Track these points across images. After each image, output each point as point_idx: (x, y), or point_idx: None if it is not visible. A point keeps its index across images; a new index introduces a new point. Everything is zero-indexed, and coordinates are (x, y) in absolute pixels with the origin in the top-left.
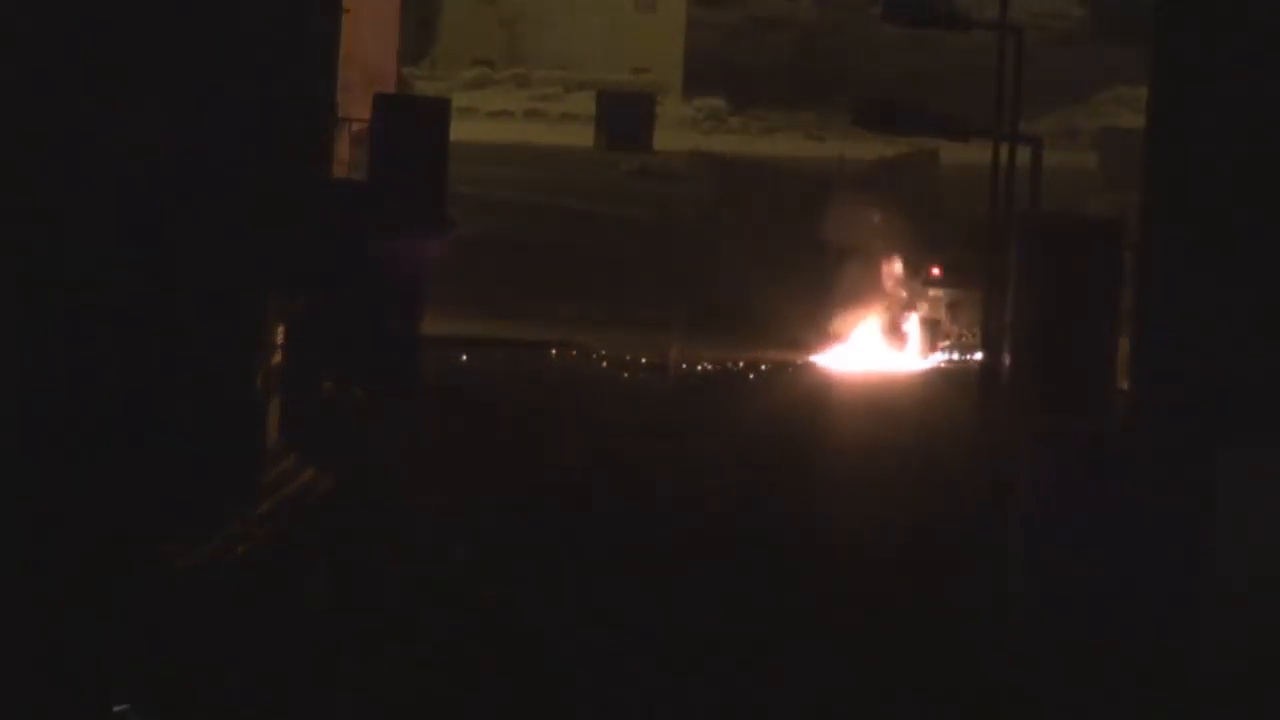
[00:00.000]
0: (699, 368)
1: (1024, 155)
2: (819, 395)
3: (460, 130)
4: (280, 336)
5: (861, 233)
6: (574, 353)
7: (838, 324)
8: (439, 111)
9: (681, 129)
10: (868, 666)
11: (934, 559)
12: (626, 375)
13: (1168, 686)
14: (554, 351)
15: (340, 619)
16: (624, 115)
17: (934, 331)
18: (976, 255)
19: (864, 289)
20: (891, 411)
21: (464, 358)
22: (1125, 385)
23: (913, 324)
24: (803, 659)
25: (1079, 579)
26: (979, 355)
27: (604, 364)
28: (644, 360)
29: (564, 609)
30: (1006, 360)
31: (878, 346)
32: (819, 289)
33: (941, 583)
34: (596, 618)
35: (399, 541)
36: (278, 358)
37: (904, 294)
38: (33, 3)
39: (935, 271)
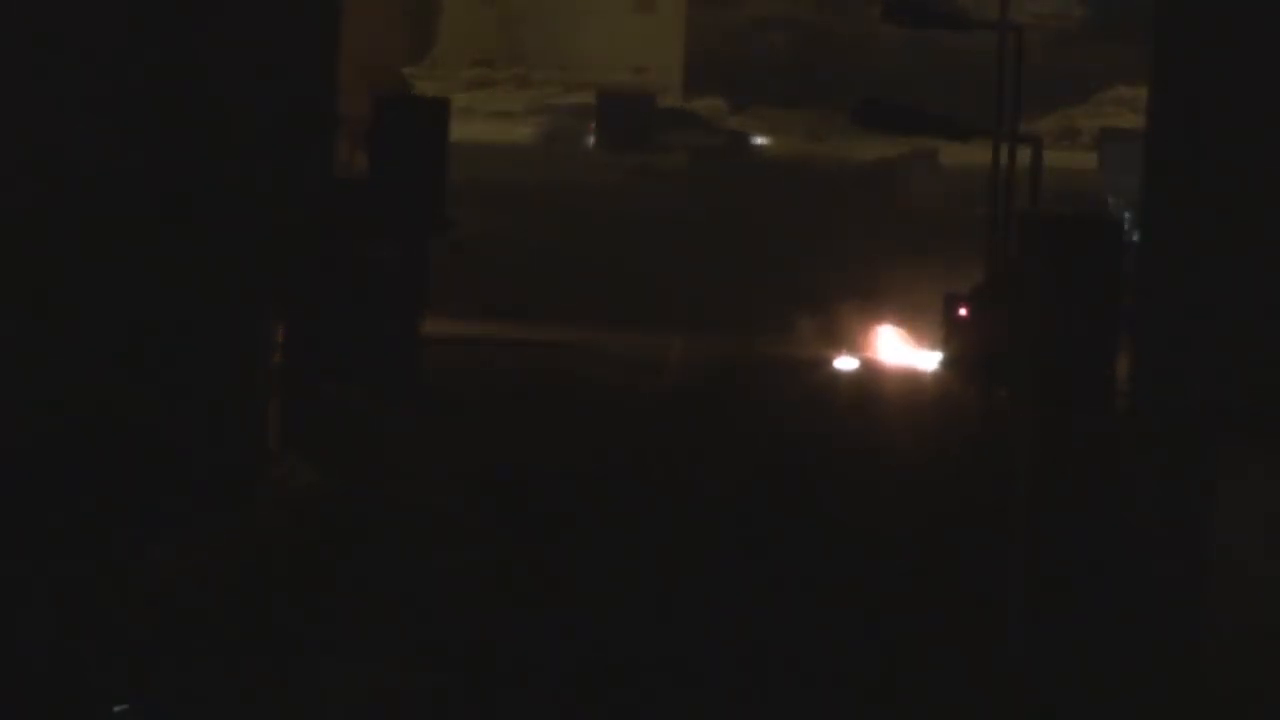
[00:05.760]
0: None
1: (1024, 155)
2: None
3: (460, 130)
4: (280, 336)
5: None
6: (573, 352)
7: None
8: (439, 111)
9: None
10: (869, 666)
11: (935, 556)
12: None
13: (1168, 682)
14: (553, 351)
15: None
16: (624, 115)
17: None
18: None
19: None
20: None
21: (464, 358)
22: (1125, 384)
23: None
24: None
25: (1079, 576)
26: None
27: (602, 363)
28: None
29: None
30: (1007, 360)
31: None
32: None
33: (942, 579)
34: (598, 617)
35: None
36: (278, 358)
37: None
38: (31, 3)
39: (962, 311)
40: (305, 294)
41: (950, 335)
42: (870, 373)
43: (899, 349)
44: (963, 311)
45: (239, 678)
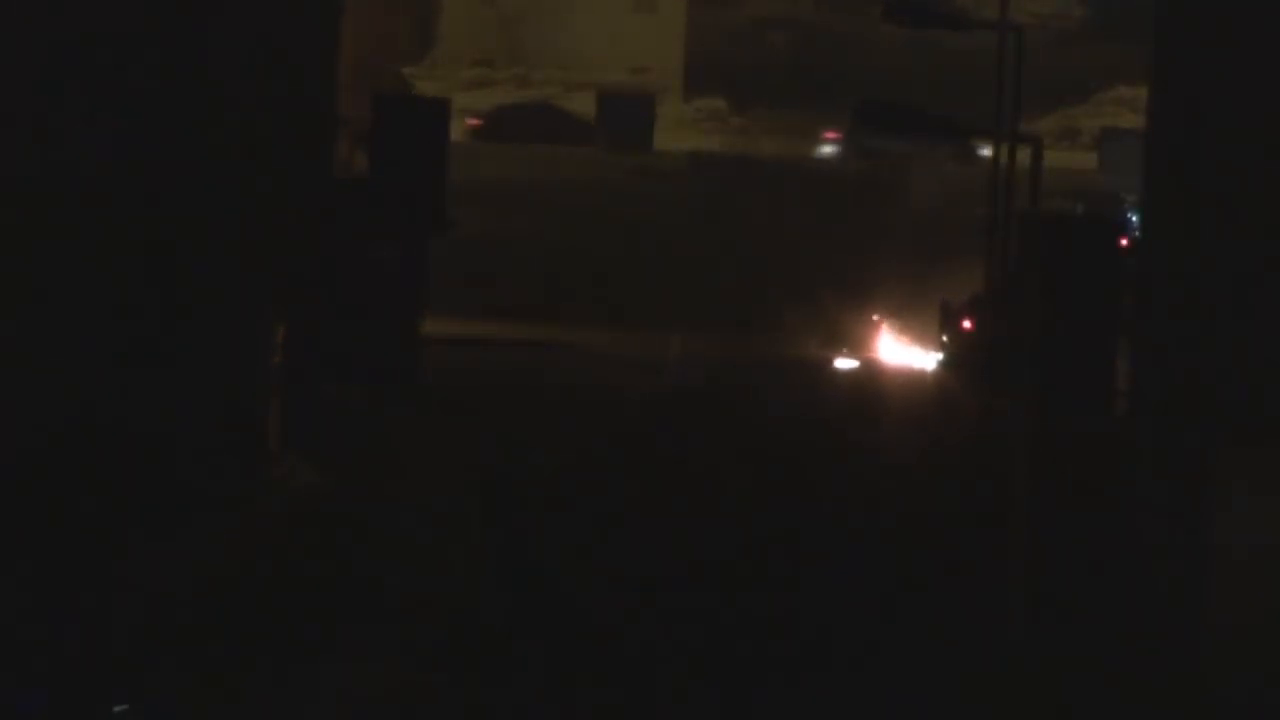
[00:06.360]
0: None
1: (1023, 155)
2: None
3: (460, 130)
4: (280, 336)
5: None
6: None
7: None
8: (439, 111)
9: (681, 129)
10: (868, 662)
11: (935, 554)
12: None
13: (1168, 681)
14: (552, 351)
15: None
16: (624, 115)
17: None
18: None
19: None
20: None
21: (464, 358)
22: (1125, 385)
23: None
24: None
25: (1079, 576)
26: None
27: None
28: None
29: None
30: (1008, 360)
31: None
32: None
33: (941, 578)
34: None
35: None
36: (278, 358)
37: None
38: (35, 4)
39: (966, 325)
40: (305, 294)
41: (951, 342)
42: (870, 372)
43: (898, 349)
44: (967, 324)
45: (239, 678)
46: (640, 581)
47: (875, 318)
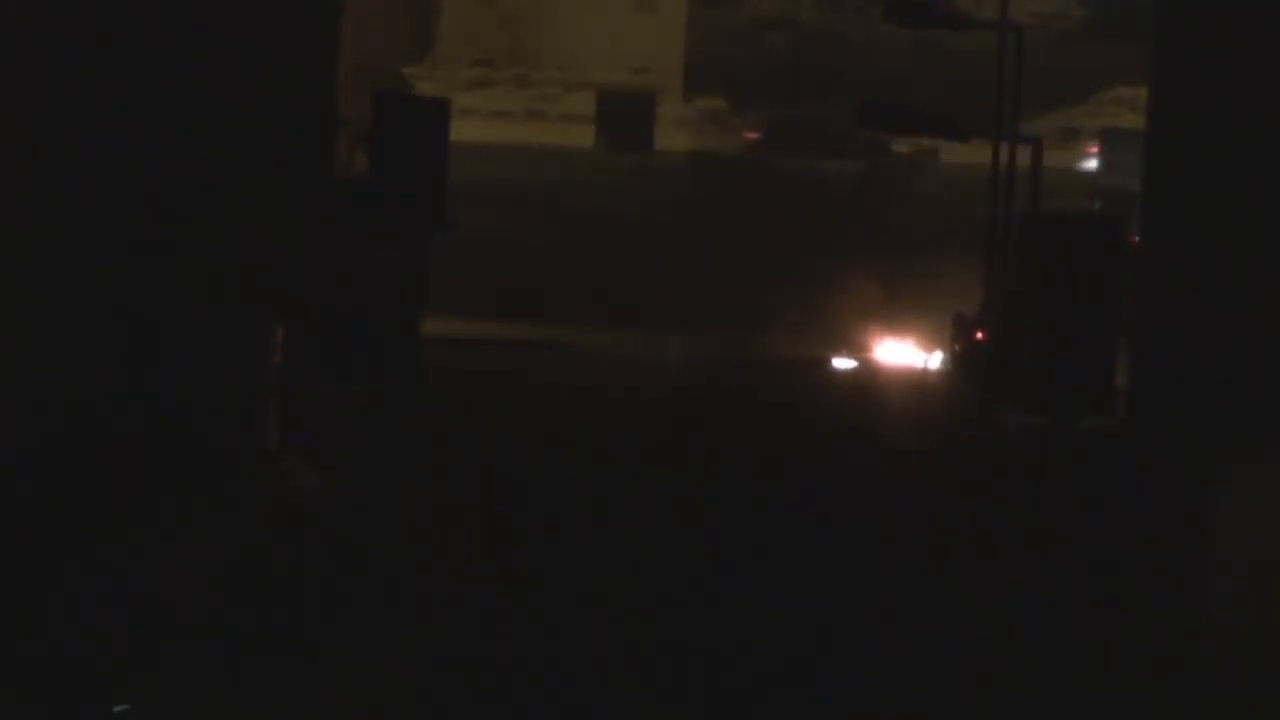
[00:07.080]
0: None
1: (1023, 155)
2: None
3: (460, 130)
4: (280, 336)
5: None
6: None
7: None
8: (439, 111)
9: (681, 129)
10: (867, 667)
11: (933, 556)
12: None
13: (1168, 682)
14: (552, 351)
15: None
16: (624, 115)
17: None
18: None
19: None
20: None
21: (464, 358)
22: (1125, 385)
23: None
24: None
25: (1079, 577)
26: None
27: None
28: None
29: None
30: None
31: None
32: None
33: (940, 582)
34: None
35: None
36: (278, 358)
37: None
38: (34, 3)
39: (979, 336)
40: (305, 294)
41: (963, 353)
42: (868, 373)
43: (897, 349)
44: (980, 335)
45: (239, 678)
46: (640, 582)
47: (874, 318)
